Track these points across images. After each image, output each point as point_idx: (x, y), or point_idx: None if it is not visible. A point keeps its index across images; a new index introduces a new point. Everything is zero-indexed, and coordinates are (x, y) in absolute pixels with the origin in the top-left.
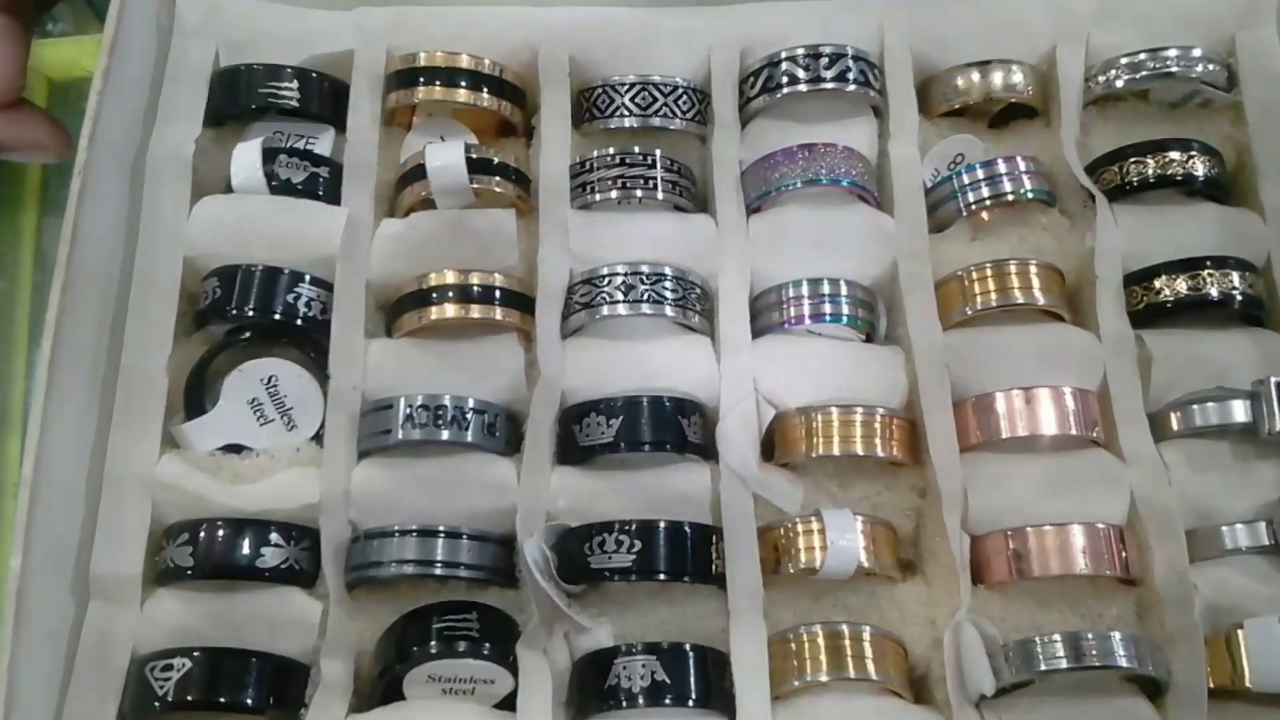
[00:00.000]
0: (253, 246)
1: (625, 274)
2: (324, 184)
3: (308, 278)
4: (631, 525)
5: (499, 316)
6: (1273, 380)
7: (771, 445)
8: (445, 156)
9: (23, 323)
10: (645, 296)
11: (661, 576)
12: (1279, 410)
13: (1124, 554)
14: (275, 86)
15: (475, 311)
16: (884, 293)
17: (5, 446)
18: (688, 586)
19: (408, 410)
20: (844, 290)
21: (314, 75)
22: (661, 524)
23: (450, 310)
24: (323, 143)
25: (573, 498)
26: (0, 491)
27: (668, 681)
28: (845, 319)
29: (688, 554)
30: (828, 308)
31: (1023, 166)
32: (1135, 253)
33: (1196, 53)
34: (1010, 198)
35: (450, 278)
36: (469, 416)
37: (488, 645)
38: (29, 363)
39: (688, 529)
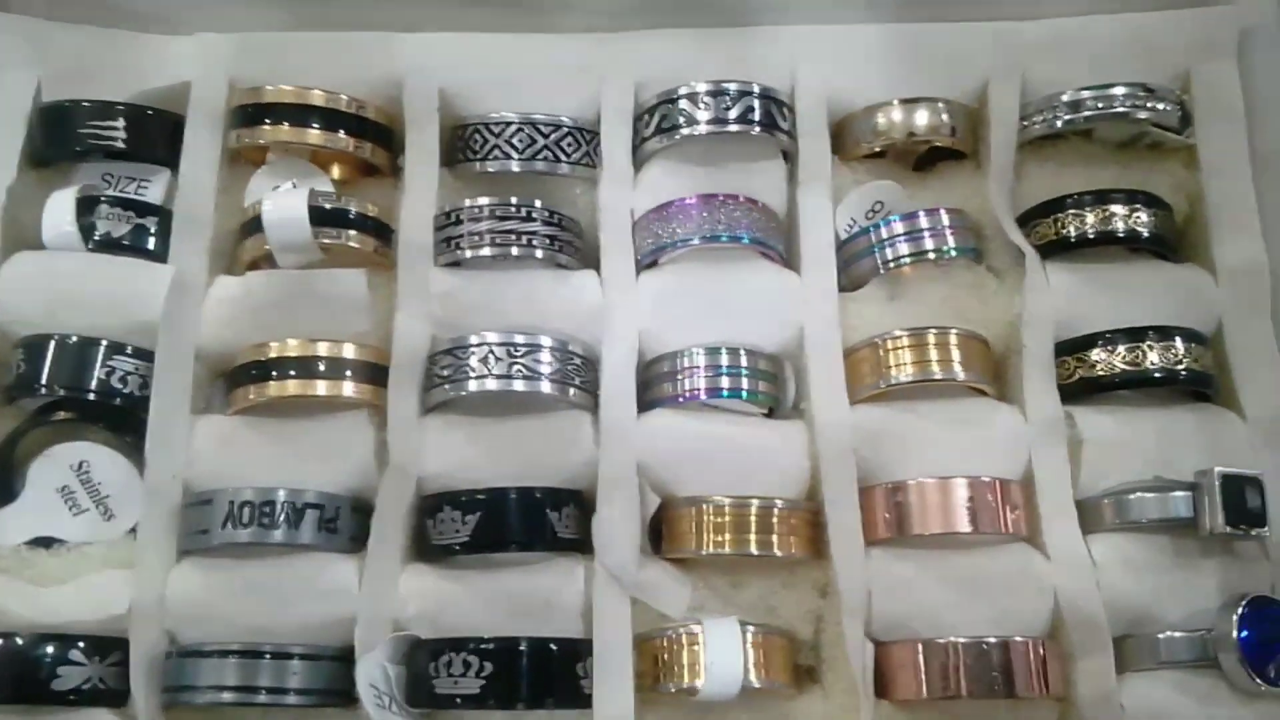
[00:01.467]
0: (66, 312)
1: (496, 344)
2: (153, 237)
3: (129, 349)
4: (484, 644)
5: (349, 392)
6: (1216, 471)
7: (658, 535)
8: (285, 208)
9: None
10: (518, 370)
11: (519, 706)
12: (1220, 506)
13: (1045, 670)
14: (100, 126)
15: (321, 387)
16: (792, 358)
17: None
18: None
19: (230, 507)
20: (744, 361)
21: (148, 112)
22: (519, 644)
23: (292, 386)
24: (156, 187)
25: (424, 603)
26: None
27: None
28: (745, 394)
29: (549, 677)
30: (725, 381)
31: (946, 221)
32: (1072, 316)
33: (1146, 90)
34: (931, 256)
35: (293, 348)
36: (304, 513)
37: None
38: None
39: (551, 648)
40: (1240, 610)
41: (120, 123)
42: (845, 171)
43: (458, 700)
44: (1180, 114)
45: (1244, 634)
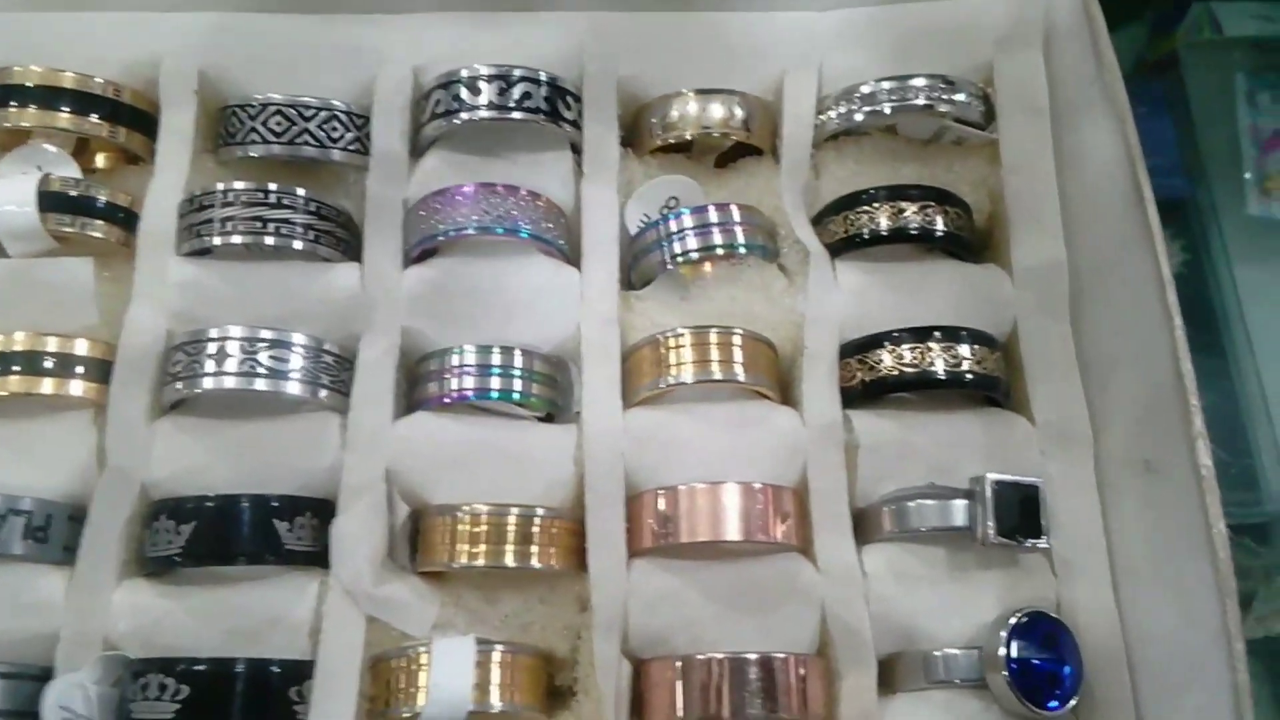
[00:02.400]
0: None
1: (237, 339)
2: None
3: None
4: (180, 665)
5: (76, 391)
6: (989, 478)
7: (413, 549)
8: (9, 193)
9: None
10: (260, 367)
11: None
12: (993, 515)
13: (805, 693)
14: None
15: (47, 385)
16: (572, 359)
17: None
18: None
19: None
20: (518, 361)
21: None
22: (217, 665)
23: (14, 383)
24: None
25: (137, 620)
26: None
27: None
28: (517, 396)
29: (251, 701)
30: (496, 383)
31: (737, 216)
32: (863, 317)
33: (947, 82)
34: (720, 251)
35: (18, 342)
36: (7, 519)
37: None
38: None
39: (253, 669)
40: (1010, 627)
41: None
42: (638, 166)
43: None
44: (984, 108)
45: (1014, 653)
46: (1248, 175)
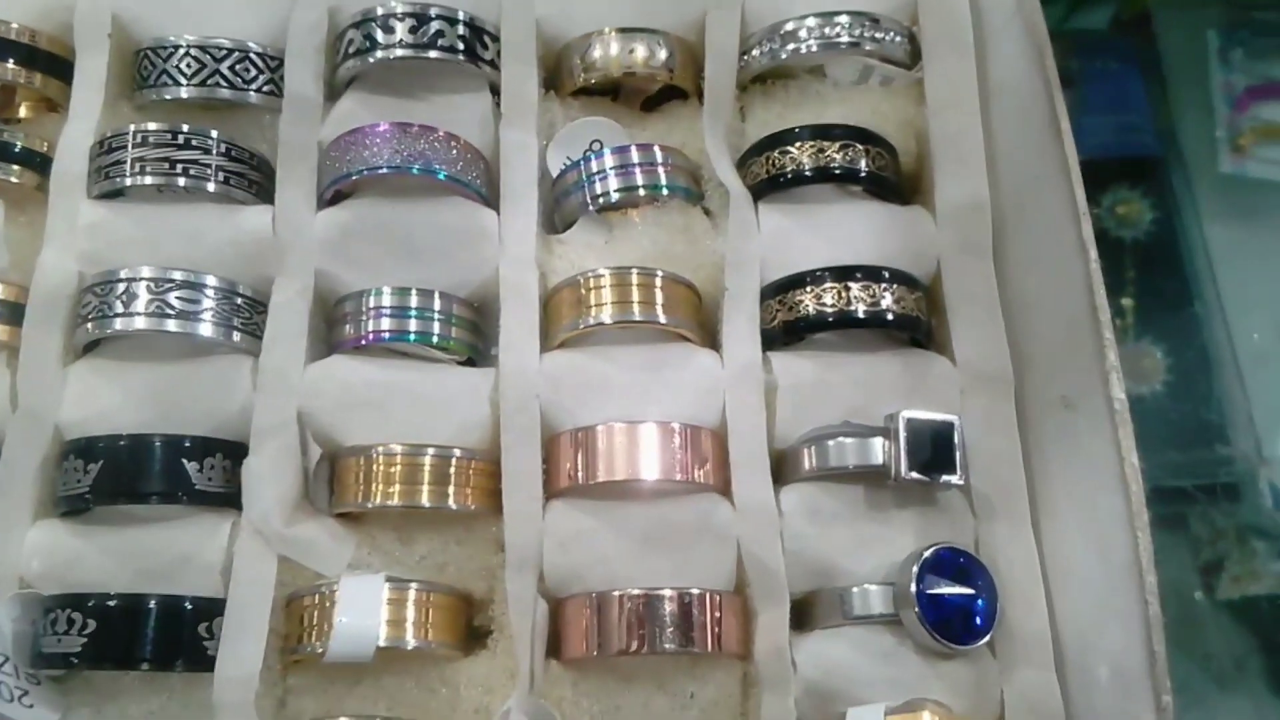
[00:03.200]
0: None
1: (147, 279)
2: None
3: None
4: (88, 601)
5: None
6: (903, 415)
7: (331, 491)
8: None
9: None
10: (171, 309)
11: (122, 664)
12: (905, 451)
13: (720, 627)
14: None
15: None
16: (490, 305)
17: None
18: (188, 675)
19: None
20: (437, 304)
21: None
22: (123, 600)
23: None
24: None
25: (50, 560)
26: None
27: None
28: (436, 339)
29: (159, 635)
30: (414, 325)
31: (659, 157)
32: (785, 259)
33: (872, 20)
34: (642, 192)
35: None
36: None
37: None
38: None
39: (162, 603)
40: (921, 561)
41: None
42: (563, 108)
43: (61, 659)
44: (909, 46)
45: (925, 588)
46: (1220, 133)
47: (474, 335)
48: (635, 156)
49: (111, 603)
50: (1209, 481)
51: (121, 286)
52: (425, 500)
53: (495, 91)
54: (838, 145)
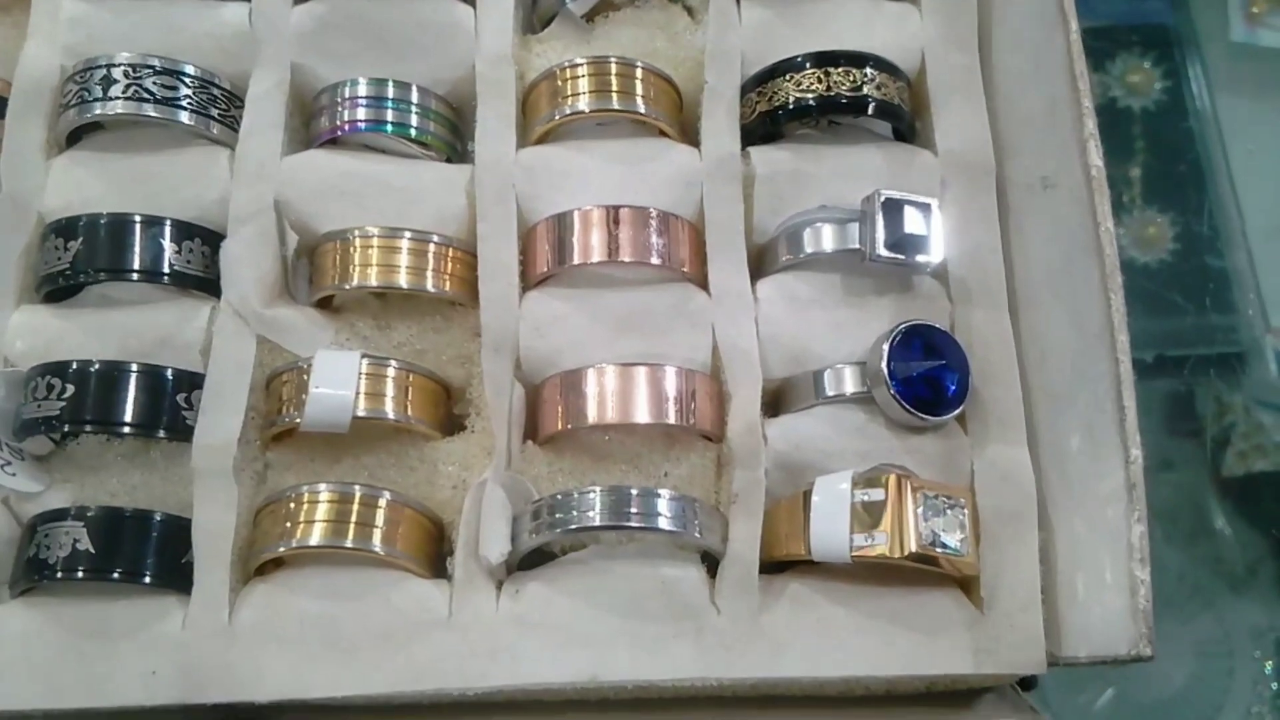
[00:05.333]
0: None
1: (126, 65)
2: None
3: None
4: (69, 367)
5: None
6: (880, 193)
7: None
8: None
9: None
10: (150, 94)
11: (100, 427)
12: (881, 230)
13: (694, 403)
14: None
15: None
16: (467, 105)
17: None
18: (169, 448)
19: None
20: (414, 96)
21: None
22: (103, 366)
23: None
24: None
25: (33, 339)
26: None
27: (90, 550)
28: (413, 131)
29: (136, 401)
30: (391, 114)
31: None
32: (766, 55)
33: None
34: None
35: None
36: None
37: None
38: None
39: (143, 370)
40: (891, 338)
41: None
42: None
43: (41, 424)
44: None
45: (896, 362)
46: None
47: (452, 134)
48: None
49: (93, 368)
50: (1215, 350)
51: (101, 73)
52: (403, 282)
53: None
54: None
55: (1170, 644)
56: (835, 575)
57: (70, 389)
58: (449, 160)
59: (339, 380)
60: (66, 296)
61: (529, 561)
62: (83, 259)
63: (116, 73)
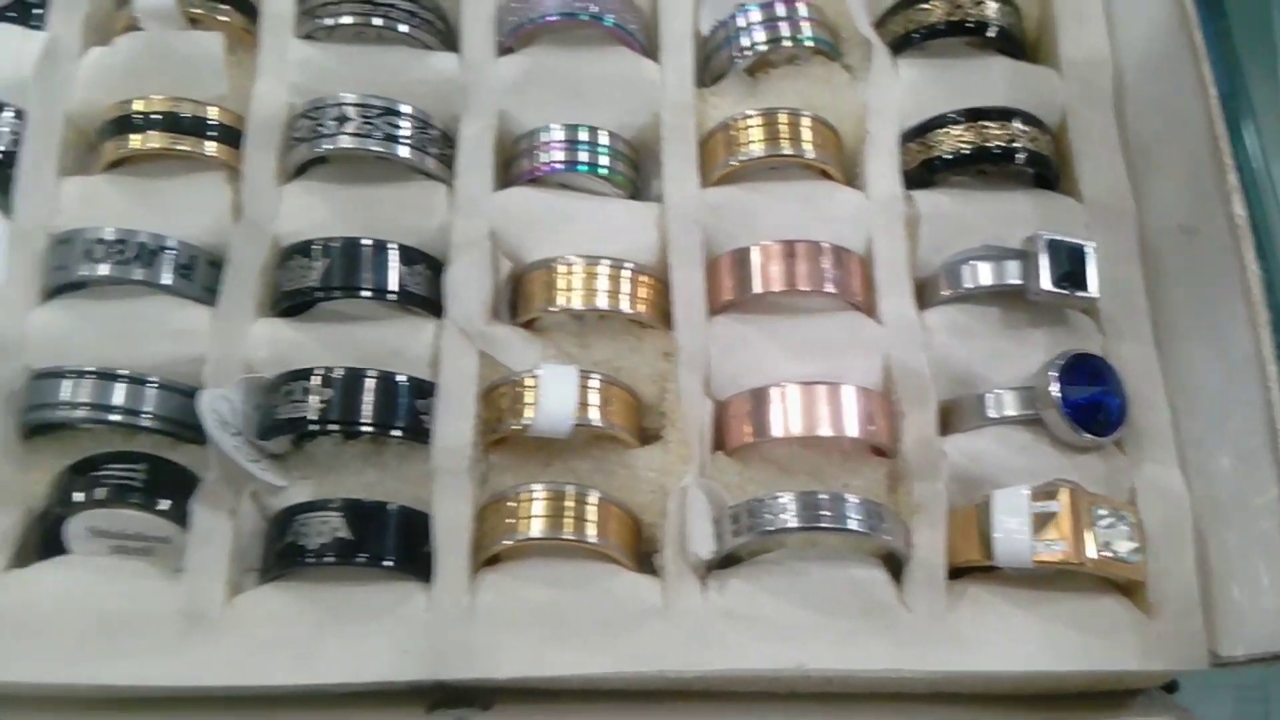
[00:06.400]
0: None
1: (353, 105)
2: (38, 10)
3: (7, 108)
4: (327, 373)
5: (209, 151)
6: (1043, 236)
7: (514, 306)
8: None
9: None
10: (375, 132)
11: (354, 427)
12: (1046, 267)
13: (872, 420)
14: None
15: (183, 144)
16: (649, 149)
17: None
18: (401, 450)
19: (96, 245)
20: (603, 139)
21: None
22: (360, 371)
23: (155, 139)
24: None
25: (274, 349)
26: None
27: (349, 538)
28: (604, 171)
29: (385, 406)
30: (584, 156)
31: (803, 12)
32: (920, 108)
33: None
34: (787, 44)
35: (156, 103)
36: (160, 254)
37: (160, 500)
38: None
39: (388, 378)
40: (1058, 365)
41: None
42: None
43: (292, 424)
44: None
45: (1064, 388)
46: None
47: (634, 171)
48: (780, 10)
49: (337, 373)
50: None
51: (333, 111)
52: (602, 304)
53: None
54: (971, 2)
55: None
56: (1009, 581)
57: (328, 392)
58: (631, 197)
59: (563, 392)
60: (300, 312)
61: (720, 563)
62: (326, 277)
63: (350, 110)
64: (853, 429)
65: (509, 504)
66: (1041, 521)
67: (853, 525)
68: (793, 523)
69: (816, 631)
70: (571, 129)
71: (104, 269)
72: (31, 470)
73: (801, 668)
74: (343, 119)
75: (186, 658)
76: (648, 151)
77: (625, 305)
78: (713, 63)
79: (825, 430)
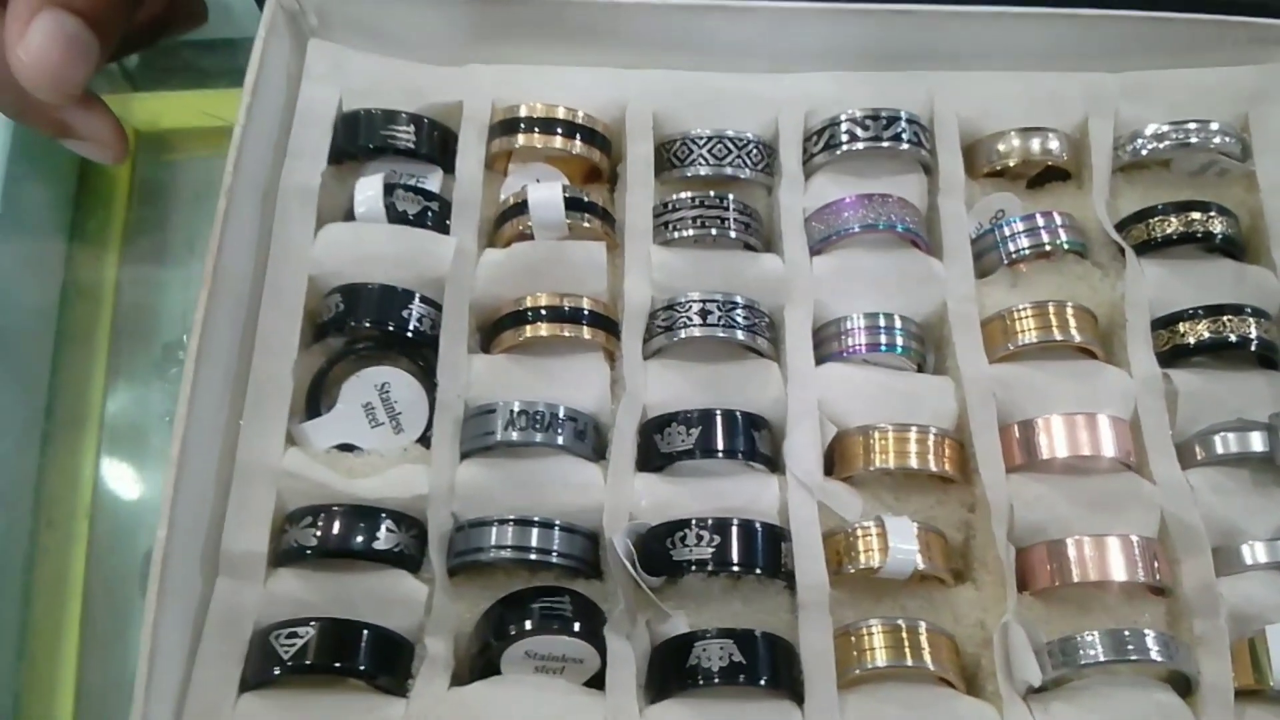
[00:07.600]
0: (371, 267)
1: (702, 300)
2: (433, 217)
3: (418, 297)
4: (709, 521)
5: (588, 336)
6: None
7: (831, 464)
8: (546, 194)
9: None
10: (719, 321)
11: (736, 569)
12: None
13: (1156, 564)
14: (393, 129)
15: (567, 330)
16: (931, 332)
17: (79, 468)
18: (757, 585)
19: (508, 415)
20: (898, 324)
21: (426, 121)
22: (737, 521)
23: (545, 329)
24: (431, 182)
25: (653, 500)
26: (74, 511)
27: (744, 662)
28: (900, 349)
29: (760, 549)
30: (883, 338)
31: (1059, 220)
32: (1160, 301)
33: (1214, 126)
34: (1048, 248)
35: (545, 300)
36: (563, 423)
37: (579, 625)
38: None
39: (759, 526)
40: None
41: (410, 128)
42: (972, 185)
43: (688, 566)
44: (1241, 147)
45: None
46: None
47: (923, 347)
48: (1040, 221)
49: (725, 520)
50: None
51: (686, 305)
52: (913, 463)
53: (926, 171)
54: (1199, 214)
55: None
56: (1273, 703)
57: (716, 539)
58: (919, 369)
59: (907, 542)
60: (666, 468)
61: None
62: (703, 441)
63: (696, 306)
64: (1142, 573)
65: (853, 638)
66: None
67: (1155, 656)
68: (1104, 656)
69: None
70: (872, 317)
71: (517, 436)
72: (458, 601)
73: None
74: (694, 311)
75: None
76: (931, 333)
77: (932, 464)
78: (981, 263)
79: (1119, 575)
